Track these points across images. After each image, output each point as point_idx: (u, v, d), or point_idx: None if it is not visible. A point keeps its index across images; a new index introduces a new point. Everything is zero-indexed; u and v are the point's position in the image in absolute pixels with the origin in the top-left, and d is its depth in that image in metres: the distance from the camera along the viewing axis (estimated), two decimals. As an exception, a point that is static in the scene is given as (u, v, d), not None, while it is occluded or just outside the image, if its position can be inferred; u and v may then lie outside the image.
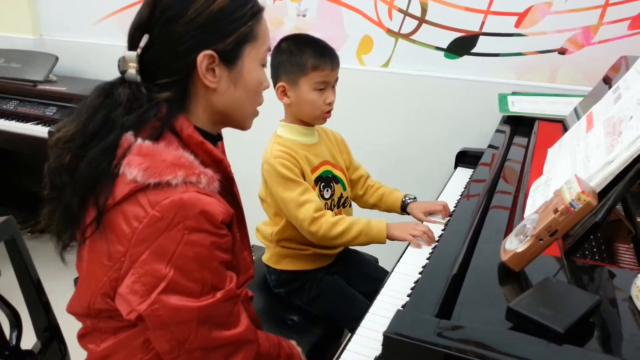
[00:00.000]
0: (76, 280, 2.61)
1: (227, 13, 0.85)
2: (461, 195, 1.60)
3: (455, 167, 1.90)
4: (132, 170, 0.78)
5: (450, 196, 1.65)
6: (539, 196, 0.99)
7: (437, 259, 0.88)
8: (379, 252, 1.75)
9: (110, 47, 2.56)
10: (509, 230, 0.96)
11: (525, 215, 0.97)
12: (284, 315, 1.49)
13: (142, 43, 0.83)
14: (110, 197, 0.79)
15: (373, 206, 1.62)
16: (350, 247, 1.63)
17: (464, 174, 1.82)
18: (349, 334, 1.43)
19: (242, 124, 0.96)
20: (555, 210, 0.73)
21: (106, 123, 0.81)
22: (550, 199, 0.78)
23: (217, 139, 0.97)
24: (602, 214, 0.79)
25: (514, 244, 0.77)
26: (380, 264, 1.70)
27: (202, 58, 0.83)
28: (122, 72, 0.85)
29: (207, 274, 0.80)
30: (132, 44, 0.85)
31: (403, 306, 1.01)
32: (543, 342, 0.60)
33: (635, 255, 0.92)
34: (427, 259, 1.29)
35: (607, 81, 1.49)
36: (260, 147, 1.44)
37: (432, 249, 1.33)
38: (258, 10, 0.89)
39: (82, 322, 0.95)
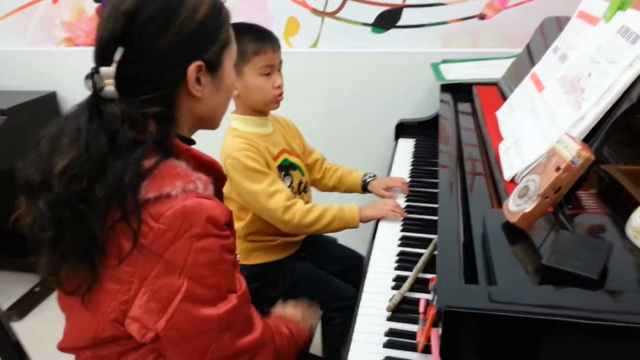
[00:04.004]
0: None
1: (210, 21, 0.84)
2: (413, 167, 1.66)
3: (396, 139, 1.96)
4: None
5: (402, 168, 1.71)
6: (514, 157, 1.05)
7: (443, 231, 0.92)
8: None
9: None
10: (493, 193, 1.01)
11: (507, 176, 1.03)
12: (261, 309, 1.47)
13: (117, 57, 0.78)
14: (109, 218, 0.75)
15: (333, 188, 1.64)
16: (312, 232, 1.65)
17: (407, 144, 1.89)
18: (326, 315, 1.46)
19: (216, 125, 0.96)
20: (558, 169, 0.78)
21: (114, 141, 0.76)
22: (546, 158, 0.83)
23: (192, 143, 0.95)
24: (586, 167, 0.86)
25: (520, 206, 0.82)
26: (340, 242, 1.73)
27: (193, 69, 0.82)
28: (100, 90, 0.78)
29: (220, 278, 0.80)
30: (104, 58, 0.79)
31: (422, 280, 1.04)
32: (585, 291, 0.65)
33: (597, 200, 1.01)
34: (401, 230, 1.34)
35: (530, 47, 1.59)
36: (213, 143, 1.39)
37: (402, 220, 1.38)
38: (227, 13, 0.90)
39: (78, 356, 0.90)
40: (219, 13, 0.86)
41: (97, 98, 0.79)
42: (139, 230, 0.74)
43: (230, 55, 0.91)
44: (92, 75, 0.78)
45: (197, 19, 0.81)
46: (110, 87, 0.78)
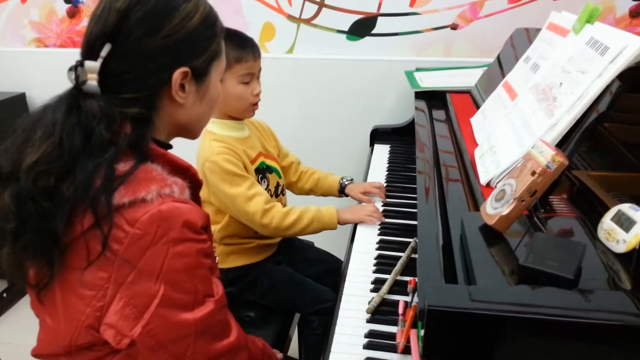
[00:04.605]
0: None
1: (202, 30, 0.84)
2: (389, 172, 1.68)
3: (371, 144, 1.99)
4: None
5: (379, 173, 1.73)
6: (489, 162, 1.09)
7: (423, 234, 0.94)
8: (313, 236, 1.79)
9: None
10: (470, 197, 1.04)
11: (482, 181, 1.06)
12: (238, 313, 1.47)
13: (104, 53, 0.77)
14: (79, 224, 0.74)
15: (309, 192, 1.65)
16: (288, 235, 1.65)
17: (382, 150, 1.91)
18: (304, 318, 1.46)
19: (195, 135, 0.97)
20: (533, 173, 0.81)
21: (89, 140, 0.75)
22: (522, 163, 0.86)
23: (168, 147, 0.95)
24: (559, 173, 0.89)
25: (497, 209, 0.84)
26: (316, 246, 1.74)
27: (179, 75, 0.82)
28: (82, 83, 0.77)
29: (197, 283, 0.80)
30: (91, 53, 0.78)
31: (400, 283, 1.06)
32: (562, 290, 0.68)
33: (568, 204, 1.05)
34: (379, 234, 1.36)
35: (501, 57, 1.64)
36: (189, 148, 1.39)
37: (379, 224, 1.40)
38: (222, 27, 0.91)
39: None
40: (213, 25, 0.87)
41: (78, 91, 0.78)
42: (109, 234, 0.73)
43: (219, 68, 0.91)
44: (76, 67, 0.77)
45: (189, 26, 0.82)
46: (92, 82, 0.77)
